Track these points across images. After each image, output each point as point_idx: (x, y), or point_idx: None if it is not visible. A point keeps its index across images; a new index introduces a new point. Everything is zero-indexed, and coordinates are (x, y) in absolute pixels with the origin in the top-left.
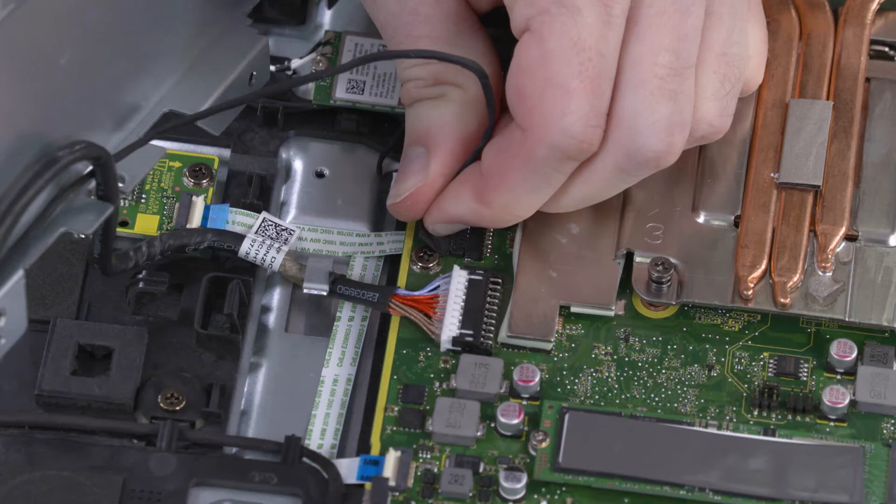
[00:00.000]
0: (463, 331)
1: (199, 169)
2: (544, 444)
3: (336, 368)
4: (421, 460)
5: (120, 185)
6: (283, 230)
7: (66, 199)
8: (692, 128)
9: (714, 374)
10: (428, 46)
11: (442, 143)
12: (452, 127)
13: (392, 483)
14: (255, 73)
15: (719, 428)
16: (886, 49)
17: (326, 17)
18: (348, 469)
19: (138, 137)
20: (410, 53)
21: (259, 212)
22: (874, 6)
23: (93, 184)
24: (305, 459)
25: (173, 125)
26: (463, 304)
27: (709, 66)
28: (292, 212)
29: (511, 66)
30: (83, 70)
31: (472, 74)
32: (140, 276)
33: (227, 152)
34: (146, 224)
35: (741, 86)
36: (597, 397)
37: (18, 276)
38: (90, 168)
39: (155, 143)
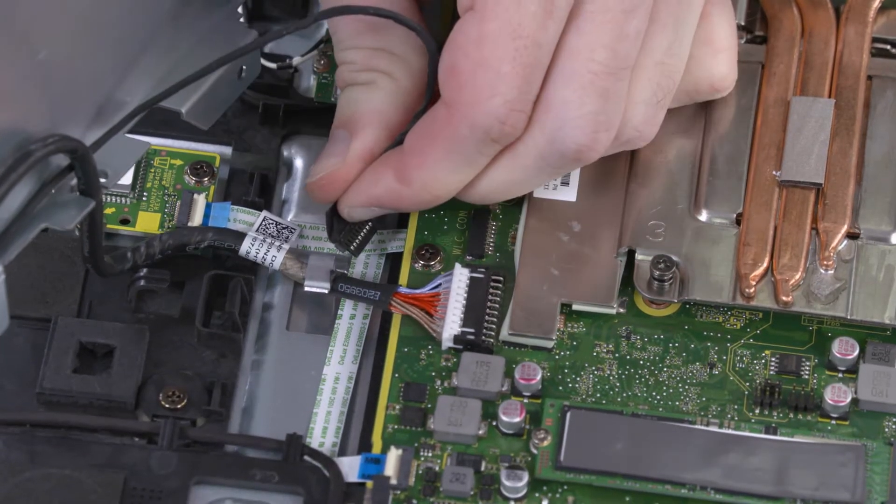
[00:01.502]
0: (464, 329)
1: (200, 167)
2: (546, 443)
3: (337, 366)
4: (422, 459)
5: (102, 179)
6: (283, 228)
7: (48, 195)
8: (619, 130)
9: (716, 372)
10: (367, 26)
11: (364, 128)
12: (376, 114)
13: (393, 481)
14: (244, 67)
15: (721, 426)
16: (888, 47)
17: None
18: (350, 467)
19: (123, 132)
20: (369, 10)
21: (260, 210)
22: (876, 4)
23: (75, 179)
24: (307, 458)
25: (139, 109)
26: (464, 302)
27: (645, 73)
28: (294, 210)
29: (448, 41)
30: (65, 65)
31: (404, 64)
32: (141, 274)
33: (228, 150)
34: (147, 222)
35: (672, 97)
36: (598, 395)
37: None
38: (71, 162)
39: (147, 138)
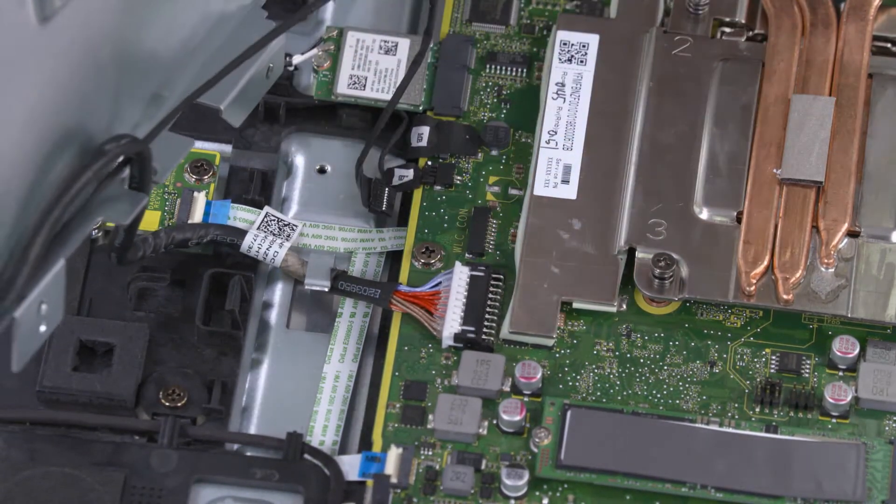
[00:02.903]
0: (465, 327)
1: (200, 165)
2: (546, 441)
3: (338, 365)
4: (423, 457)
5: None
6: (285, 225)
7: (104, 190)
8: None
9: (716, 370)
10: None
11: None
12: None
13: (394, 480)
14: (271, 66)
15: (721, 425)
16: (889, 45)
17: (328, 13)
18: (350, 466)
19: (166, 128)
20: None
21: (261, 207)
22: (876, 2)
23: (125, 173)
24: (307, 456)
25: (185, 103)
26: (465, 300)
27: None
28: (294, 207)
29: None
30: (120, 62)
31: None
32: (142, 272)
33: (228, 148)
34: (148, 220)
35: None
36: (598, 394)
37: (60, 265)
38: (122, 158)
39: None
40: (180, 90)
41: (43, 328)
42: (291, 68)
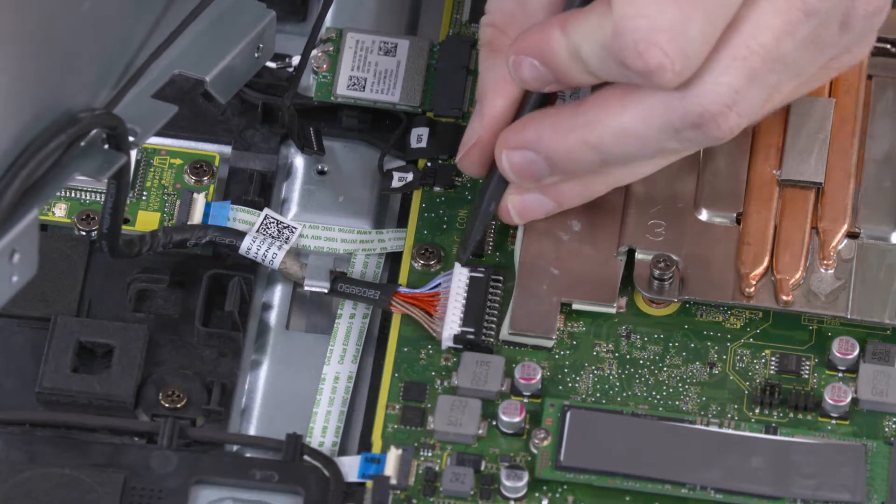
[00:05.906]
0: (464, 328)
1: (200, 166)
2: (546, 443)
3: (337, 366)
4: (422, 458)
5: (131, 138)
6: (284, 227)
7: (80, 147)
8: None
9: (716, 371)
10: None
11: (488, 97)
12: (496, 84)
13: (393, 481)
14: (261, 45)
15: (721, 426)
16: (888, 46)
17: (328, 14)
18: (350, 467)
19: (149, 95)
20: None
21: (260, 209)
22: None
23: (104, 134)
24: (307, 457)
25: (152, 57)
26: (464, 301)
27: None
28: (293, 209)
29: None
30: (100, 27)
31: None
32: (141, 273)
33: (228, 149)
34: (147, 221)
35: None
36: (598, 395)
37: (33, 215)
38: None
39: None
40: (167, 60)
41: (15, 279)
42: (290, 70)
